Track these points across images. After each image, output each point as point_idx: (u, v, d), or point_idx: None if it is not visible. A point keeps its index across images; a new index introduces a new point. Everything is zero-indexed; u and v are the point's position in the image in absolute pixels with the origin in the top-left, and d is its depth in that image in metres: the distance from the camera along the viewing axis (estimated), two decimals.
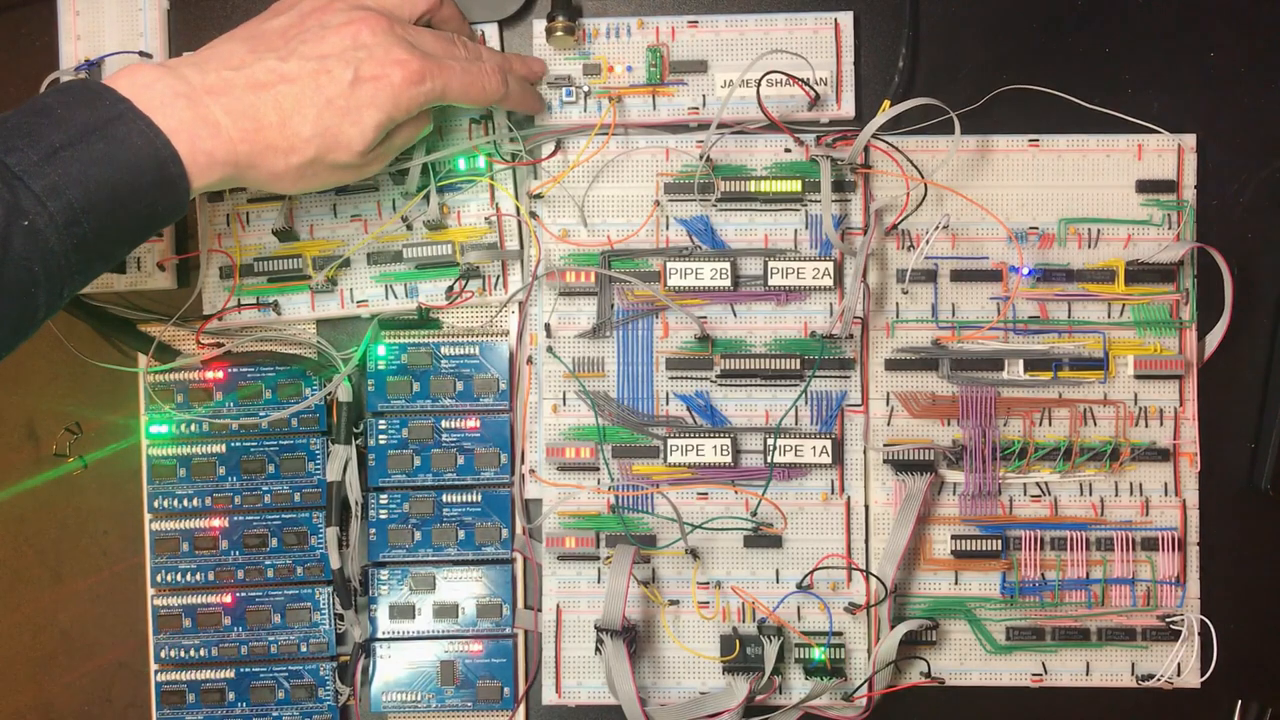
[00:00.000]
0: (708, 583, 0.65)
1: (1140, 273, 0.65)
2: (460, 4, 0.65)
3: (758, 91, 0.63)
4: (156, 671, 0.66)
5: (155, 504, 0.66)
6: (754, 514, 0.64)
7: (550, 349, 0.65)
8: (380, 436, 0.65)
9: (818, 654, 0.64)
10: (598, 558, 0.65)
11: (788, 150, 0.65)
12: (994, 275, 0.65)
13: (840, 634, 0.64)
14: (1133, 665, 0.64)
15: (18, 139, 0.47)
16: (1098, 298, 0.65)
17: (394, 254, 0.65)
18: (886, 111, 0.61)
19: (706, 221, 0.65)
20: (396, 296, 0.65)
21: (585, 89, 0.65)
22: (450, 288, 0.65)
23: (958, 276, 0.65)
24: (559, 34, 0.64)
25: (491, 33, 0.66)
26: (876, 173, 0.65)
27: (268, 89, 0.53)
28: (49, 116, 0.48)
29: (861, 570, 0.64)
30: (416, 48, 0.56)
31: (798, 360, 0.64)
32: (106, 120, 0.49)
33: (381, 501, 0.65)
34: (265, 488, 0.66)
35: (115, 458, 0.67)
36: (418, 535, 0.65)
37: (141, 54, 0.66)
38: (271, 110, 0.53)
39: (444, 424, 0.65)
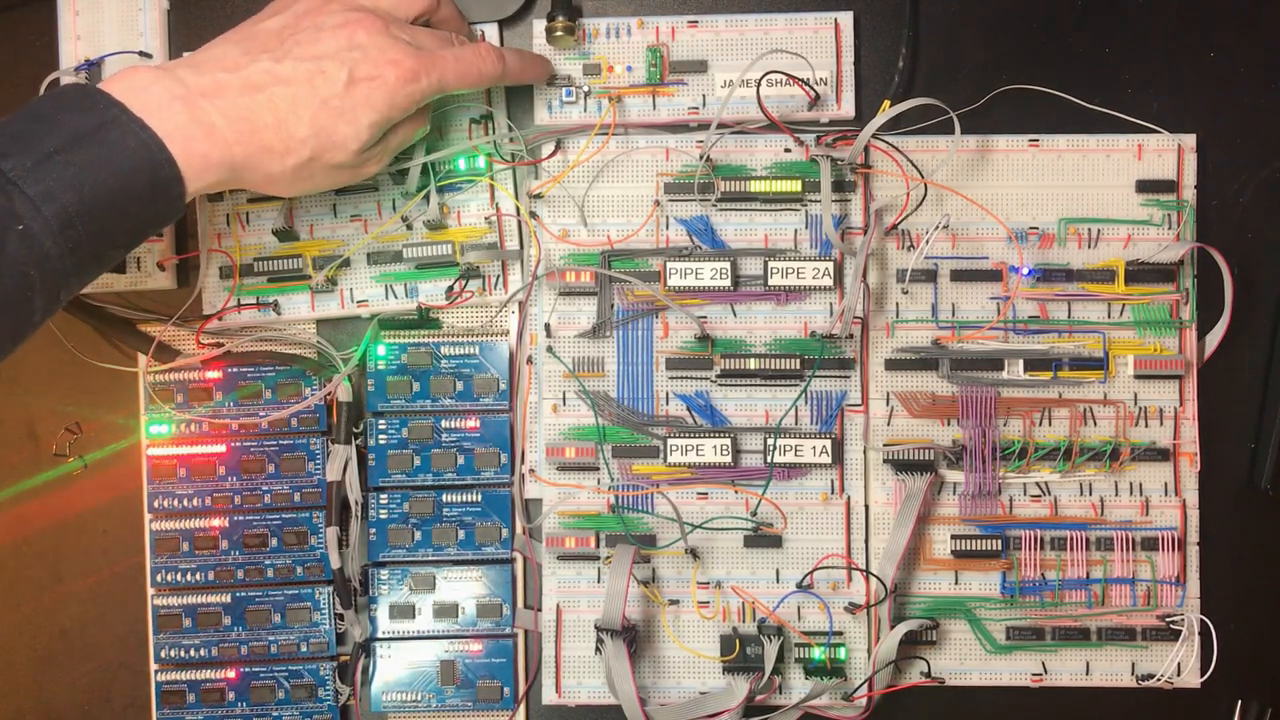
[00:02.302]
0: (708, 583, 0.65)
1: (1140, 273, 0.65)
2: (460, 4, 0.65)
3: (758, 91, 0.63)
4: (156, 671, 0.66)
5: (155, 504, 0.66)
6: (754, 514, 0.64)
7: (550, 349, 0.65)
8: (380, 436, 0.65)
9: (818, 654, 0.64)
10: (598, 558, 0.65)
11: (788, 150, 0.65)
12: (994, 275, 0.65)
13: (840, 634, 0.64)
14: (1133, 665, 0.64)
15: (12, 145, 0.47)
16: (1098, 298, 0.65)
17: (394, 254, 0.65)
18: (886, 111, 0.61)
19: (706, 221, 0.65)
20: (396, 296, 0.65)
21: (585, 89, 0.65)
22: (450, 288, 0.65)
23: (958, 276, 0.65)
24: (559, 34, 0.64)
25: (491, 33, 0.66)
26: (876, 173, 0.65)
27: (263, 90, 0.53)
28: (43, 122, 0.48)
29: (861, 570, 0.64)
30: (411, 45, 0.56)
31: (798, 360, 0.64)
32: (100, 124, 0.49)
33: (381, 501, 0.65)
34: (265, 488, 0.66)
35: (115, 458, 0.67)
36: (418, 535, 0.65)
37: (141, 54, 0.66)
38: (267, 112, 0.53)
39: (444, 424, 0.65)
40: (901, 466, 0.64)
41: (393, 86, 0.55)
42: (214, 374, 0.66)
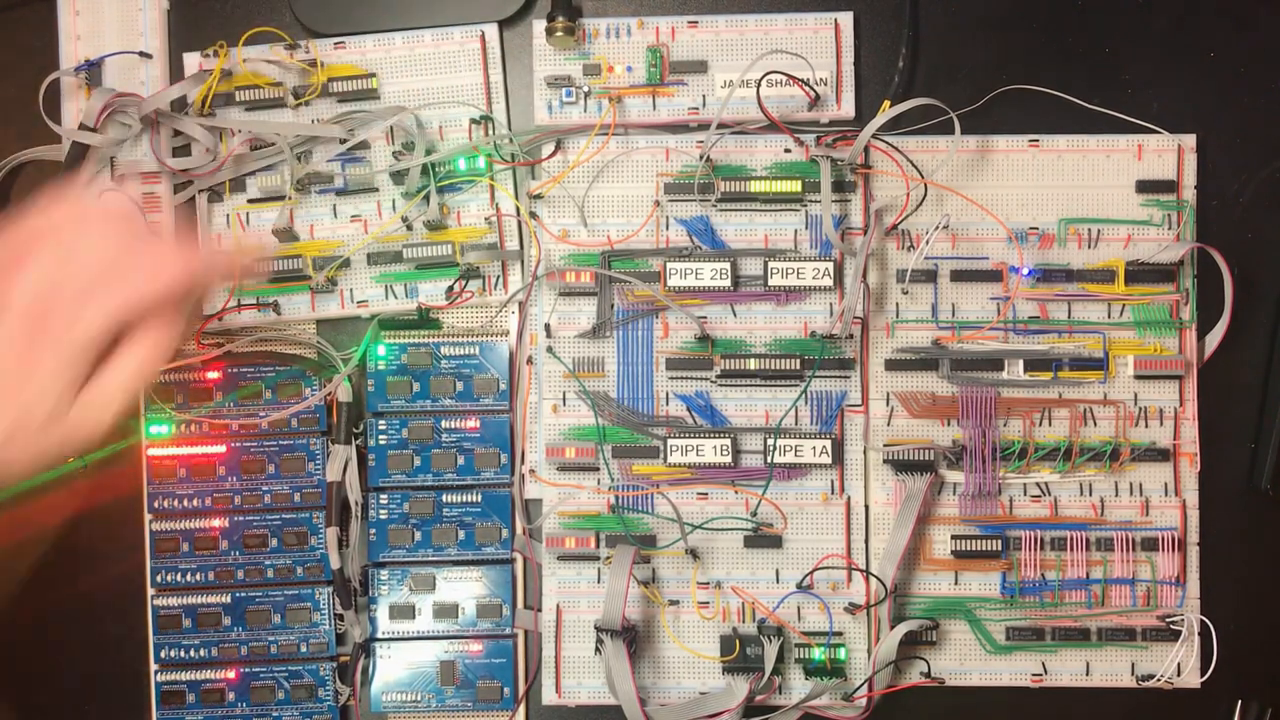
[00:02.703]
0: (708, 583, 0.65)
1: (1140, 273, 0.65)
2: (460, 3, 0.65)
3: (758, 92, 0.63)
4: (156, 672, 0.66)
5: (155, 504, 0.66)
6: (754, 514, 0.64)
7: (550, 349, 0.65)
8: (380, 436, 0.65)
9: (818, 654, 0.64)
10: (598, 558, 0.65)
11: (788, 150, 0.65)
12: (994, 275, 0.65)
13: (840, 634, 0.64)
14: (1133, 665, 0.64)
15: None
16: (1098, 298, 0.65)
17: (394, 254, 0.65)
18: (886, 111, 0.61)
19: (706, 221, 0.65)
20: (396, 296, 0.66)
21: (585, 89, 0.65)
22: (450, 288, 0.65)
23: (958, 276, 0.65)
24: (559, 34, 0.64)
25: (492, 33, 0.66)
26: (876, 173, 0.65)
27: None
28: None
29: (861, 570, 0.64)
30: (74, 277, 0.48)
31: (798, 360, 0.64)
32: None
33: (381, 501, 0.65)
34: (265, 488, 0.66)
35: (115, 458, 0.67)
36: (418, 535, 0.65)
37: (141, 54, 0.66)
38: None
39: (444, 424, 0.65)
40: (901, 466, 0.64)
41: (54, 340, 0.47)
42: (214, 374, 0.66)
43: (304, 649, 0.65)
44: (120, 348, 0.50)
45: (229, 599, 0.65)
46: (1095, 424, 0.65)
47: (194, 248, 0.52)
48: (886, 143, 0.64)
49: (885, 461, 0.64)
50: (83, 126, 0.63)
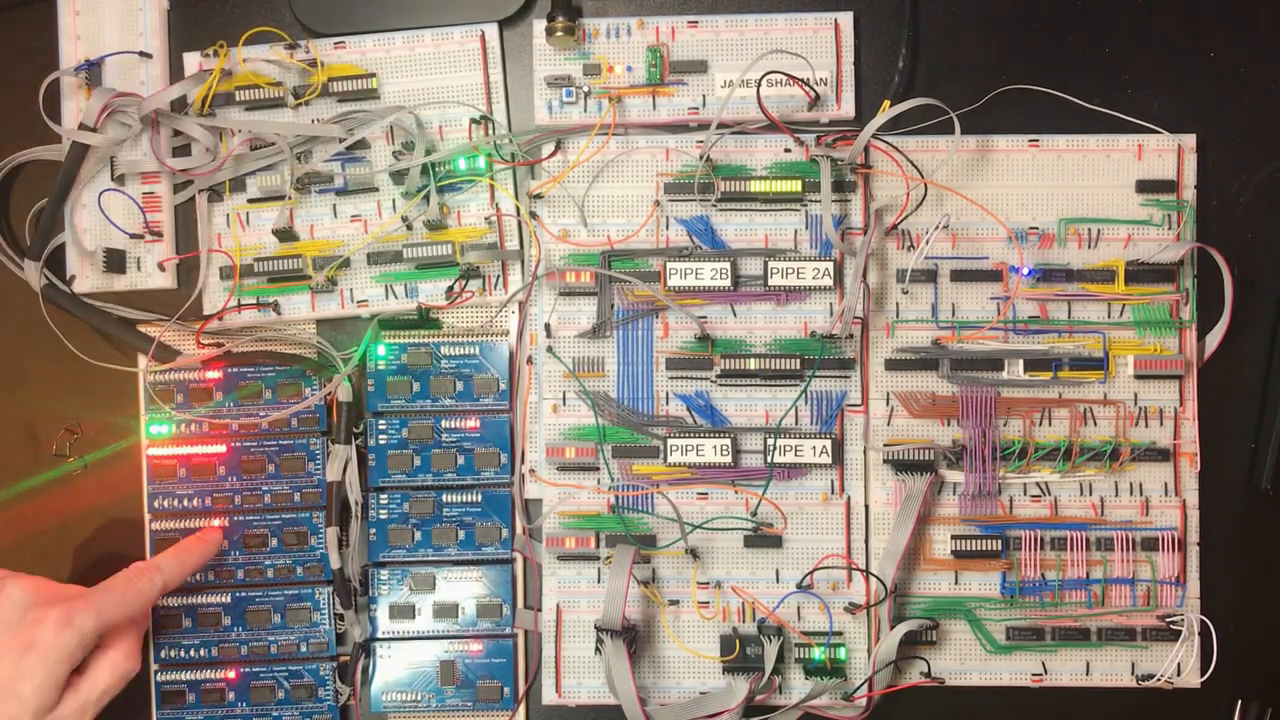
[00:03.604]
0: (708, 583, 0.65)
1: (1140, 273, 0.65)
2: (460, 3, 0.65)
3: (758, 91, 0.63)
4: (156, 671, 0.66)
5: (155, 504, 0.66)
6: (754, 514, 0.64)
7: (550, 349, 0.65)
8: (380, 436, 0.65)
9: (818, 654, 0.64)
10: (598, 558, 0.65)
11: (788, 150, 0.65)
12: (994, 275, 0.65)
13: (840, 634, 0.64)
14: (1133, 665, 0.64)
15: None
16: (1098, 298, 0.65)
17: (394, 254, 0.65)
18: (886, 111, 0.61)
19: (706, 221, 0.65)
20: (396, 296, 0.66)
21: (585, 89, 0.65)
22: (450, 288, 0.65)
23: (958, 276, 0.65)
24: (559, 34, 0.64)
25: (492, 33, 0.66)
26: (876, 173, 0.65)
27: None
28: None
29: (861, 570, 0.64)
30: (58, 594, 0.56)
31: (798, 360, 0.64)
32: None
33: (381, 501, 0.65)
34: (265, 488, 0.66)
35: (115, 458, 0.67)
36: (418, 535, 0.65)
37: (142, 54, 0.66)
38: None
39: (444, 424, 0.65)
40: (901, 466, 0.64)
41: (47, 643, 0.54)
42: (214, 374, 0.66)
43: (304, 649, 0.65)
44: (94, 662, 0.57)
45: (229, 599, 0.66)
46: (1095, 424, 0.65)
47: (153, 563, 0.61)
48: (886, 143, 0.64)
49: (885, 461, 0.64)
50: (83, 126, 0.63)
